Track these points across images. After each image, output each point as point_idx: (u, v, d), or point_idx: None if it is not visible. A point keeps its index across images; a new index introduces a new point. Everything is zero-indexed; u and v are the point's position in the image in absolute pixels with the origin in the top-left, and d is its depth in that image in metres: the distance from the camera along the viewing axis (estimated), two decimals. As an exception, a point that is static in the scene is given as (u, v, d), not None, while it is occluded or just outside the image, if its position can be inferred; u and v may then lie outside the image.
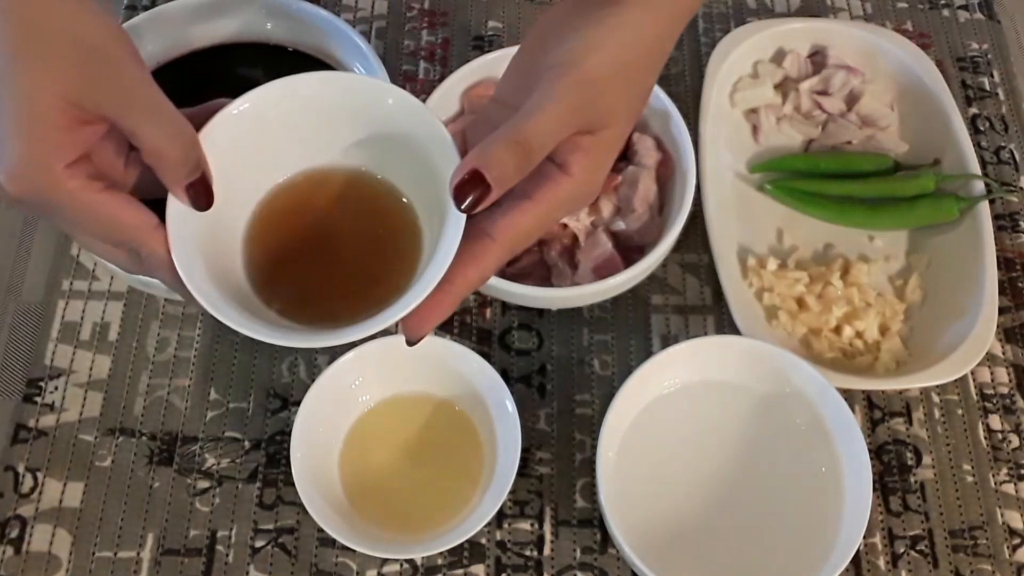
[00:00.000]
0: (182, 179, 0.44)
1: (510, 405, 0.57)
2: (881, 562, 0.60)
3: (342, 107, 0.49)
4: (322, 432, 0.58)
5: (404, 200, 0.50)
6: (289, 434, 0.57)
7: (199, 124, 0.46)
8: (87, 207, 0.43)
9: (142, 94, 0.43)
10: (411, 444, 0.60)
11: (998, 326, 0.64)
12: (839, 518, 0.56)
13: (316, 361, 0.65)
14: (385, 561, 0.59)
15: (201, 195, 0.45)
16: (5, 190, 0.42)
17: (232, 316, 0.44)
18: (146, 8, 0.75)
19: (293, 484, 0.60)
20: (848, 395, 0.63)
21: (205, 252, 0.46)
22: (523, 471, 0.62)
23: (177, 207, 0.45)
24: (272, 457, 0.62)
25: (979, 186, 0.69)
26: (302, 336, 0.45)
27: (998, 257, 0.66)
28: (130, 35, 0.45)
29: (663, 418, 0.59)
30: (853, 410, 0.62)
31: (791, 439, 0.59)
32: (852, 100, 0.74)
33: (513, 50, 0.72)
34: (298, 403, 0.57)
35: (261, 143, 0.49)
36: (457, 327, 0.66)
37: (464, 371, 0.59)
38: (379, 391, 0.61)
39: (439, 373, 0.60)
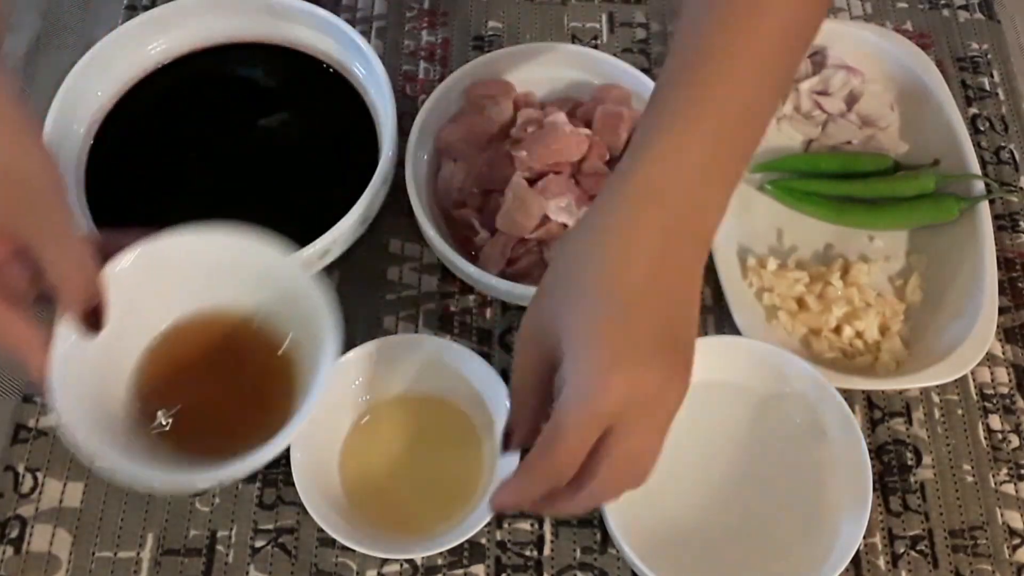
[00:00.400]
0: (78, 306, 0.48)
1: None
2: (881, 562, 0.60)
3: (239, 263, 0.55)
4: (322, 431, 0.58)
5: (279, 351, 0.56)
6: (289, 434, 0.57)
7: (115, 248, 0.51)
8: None
9: (57, 224, 0.48)
10: (411, 444, 0.60)
11: (998, 326, 0.64)
12: (839, 518, 0.56)
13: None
14: (385, 561, 0.59)
15: (92, 323, 0.49)
16: None
17: (92, 447, 0.49)
18: (146, 8, 0.75)
19: (293, 484, 0.60)
20: (848, 395, 0.63)
21: (90, 376, 0.51)
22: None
23: (66, 331, 0.49)
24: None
25: (979, 186, 0.69)
26: (167, 474, 0.51)
27: (998, 257, 0.66)
28: (56, 165, 0.49)
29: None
30: (853, 410, 0.62)
31: (791, 439, 0.59)
32: (852, 100, 0.74)
33: (513, 50, 0.72)
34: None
35: (161, 283, 0.54)
36: (457, 327, 0.66)
37: (464, 371, 0.59)
38: (379, 391, 0.61)
39: (439, 373, 0.60)
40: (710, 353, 0.59)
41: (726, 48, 0.46)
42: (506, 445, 0.50)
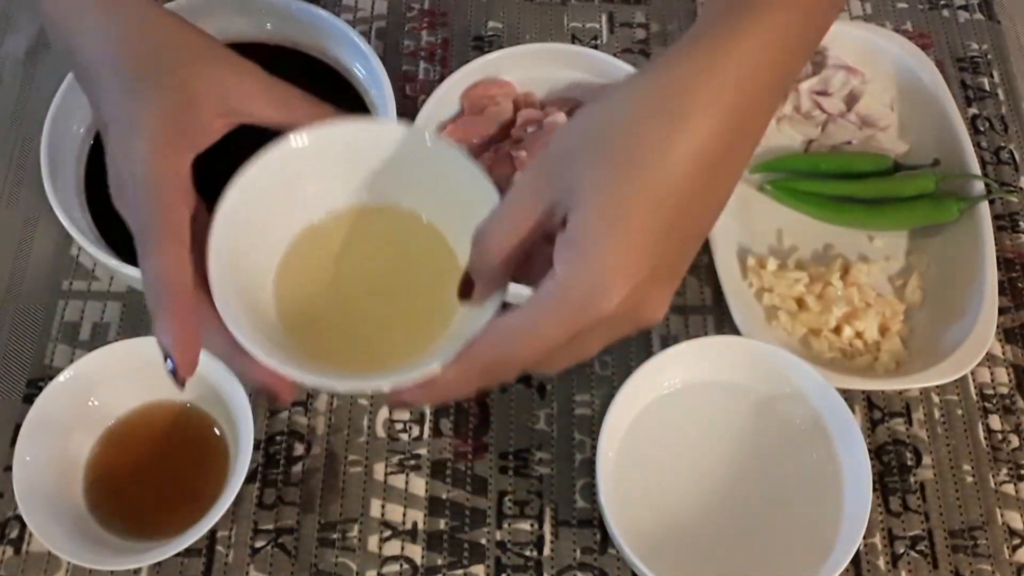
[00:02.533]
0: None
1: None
2: (881, 562, 0.60)
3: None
4: (253, 240, 0.48)
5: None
6: (289, 434, 0.57)
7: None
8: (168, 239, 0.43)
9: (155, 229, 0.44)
10: (368, 265, 0.50)
11: (998, 326, 0.64)
12: (839, 518, 0.56)
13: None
14: (385, 561, 0.59)
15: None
16: (149, 157, 0.43)
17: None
18: (146, 8, 0.75)
19: (293, 484, 0.60)
20: (848, 395, 0.63)
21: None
22: (523, 471, 0.62)
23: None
24: (271, 458, 0.62)
25: (979, 186, 0.69)
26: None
27: (998, 257, 0.66)
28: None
29: (663, 418, 0.59)
30: (853, 410, 0.62)
31: (791, 439, 0.59)
32: (852, 100, 0.74)
33: (513, 50, 0.72)
34: (299, 403, 0.57)
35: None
36: (457, 327, 0.66)
37: (450, 179, 0.49)
38: (336, 197, 0.50)
39: (406, 177, 0.49)
40: (710, 353, 0.59)
41: None
42: (464, 294, 0.41)
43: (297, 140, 0.48)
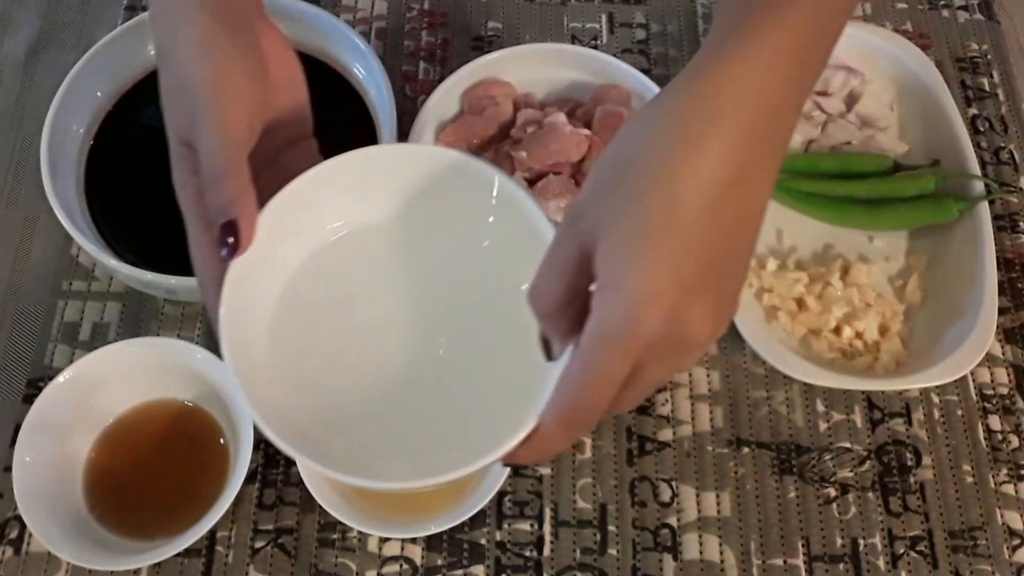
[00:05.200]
0: (221, 211, 0.45)
1: None
2: (881, 562, 0.60)
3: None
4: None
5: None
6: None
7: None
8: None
9: (215, 125, 0.46)
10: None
11: (998, 326, 0.64)
12: (539, 391, 0.42)
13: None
14: (385, 561, 0.59)
15: (227, 239, 0.45)
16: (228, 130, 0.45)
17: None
18: (146, 9, 0.75)
19: (293, 484, 0.60)
20: (848, 395, 0.64)
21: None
22: (523, 472, 0.62)
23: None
24: (271, 458, 0.62)
25: (979, 186, 0.69)
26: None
27: (998, 257, 0.66)
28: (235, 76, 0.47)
29: (338, 262, 0.50)
30: (853, 410, 0.61)
31: (503, 287, 0.48)
32: (852, 101, 0.74)
33: (513, 50, 0.72)
34: (298, 403, 0.58)
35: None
36: (457, 327, 0.66)
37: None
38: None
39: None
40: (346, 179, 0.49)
41: None
42: (547, 354, 0.42)
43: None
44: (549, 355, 0.41)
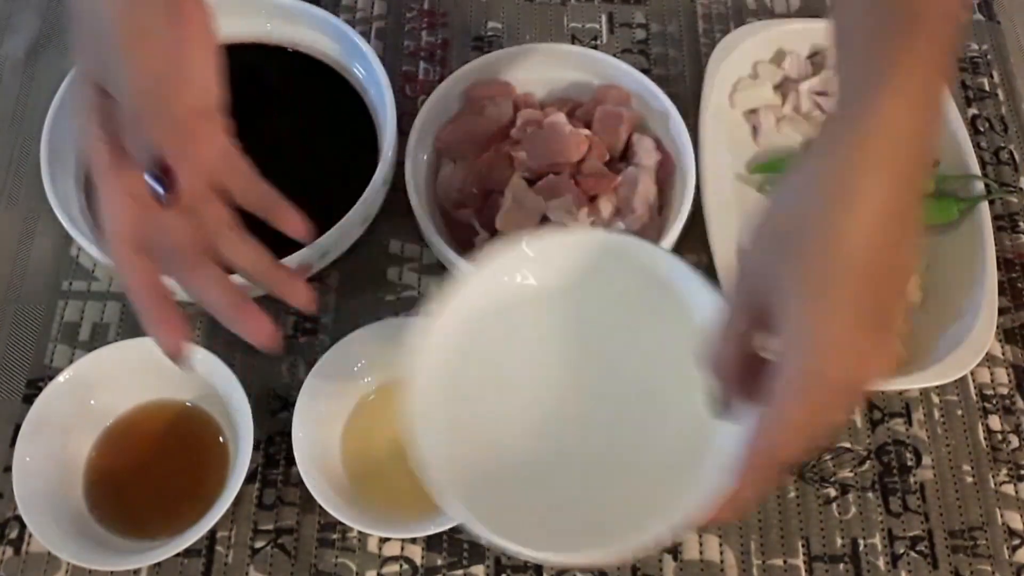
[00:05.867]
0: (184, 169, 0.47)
1: None
2: (881, 562, 0.60)
3: None
4: (324, 411, 0.59)
5: None
6: (289, 435, 0.57)
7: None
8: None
9: (182, 126, 0.48)
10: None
11: (998, 326, 0.64)
12: (708, 447, 0.46)
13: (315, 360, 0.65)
14: (385, 561, 0.59)
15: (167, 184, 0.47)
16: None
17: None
18: (146, 8, 0.75)
19: (293, 484, 0.60)
20: (848, 395, 0.63)
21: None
22: (523, 471, 0.62)
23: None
24: (271, 458, 0.62)
25: (979, 187, 0.69)
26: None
27: (998, 258, 0.66)
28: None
29: (504, 332, 0.51)
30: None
31: (661, 357, 0.50)
32: (852, 100, 0.74)
33: (513, 50, 0.72)
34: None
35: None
36: (457, 327, 0.66)
37: None
38: (382, 372, 0.61)
39: None
40: (530, 254, 0.51)
41: None
42: (725, 409, 0.44)
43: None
44: (724, 412, 0.43)
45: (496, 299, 0.50)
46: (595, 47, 0.78)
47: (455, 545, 0.60)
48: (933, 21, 0.41)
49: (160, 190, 0.46)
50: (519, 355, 0.51)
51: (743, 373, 0.42)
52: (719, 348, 0.43)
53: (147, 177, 0.46)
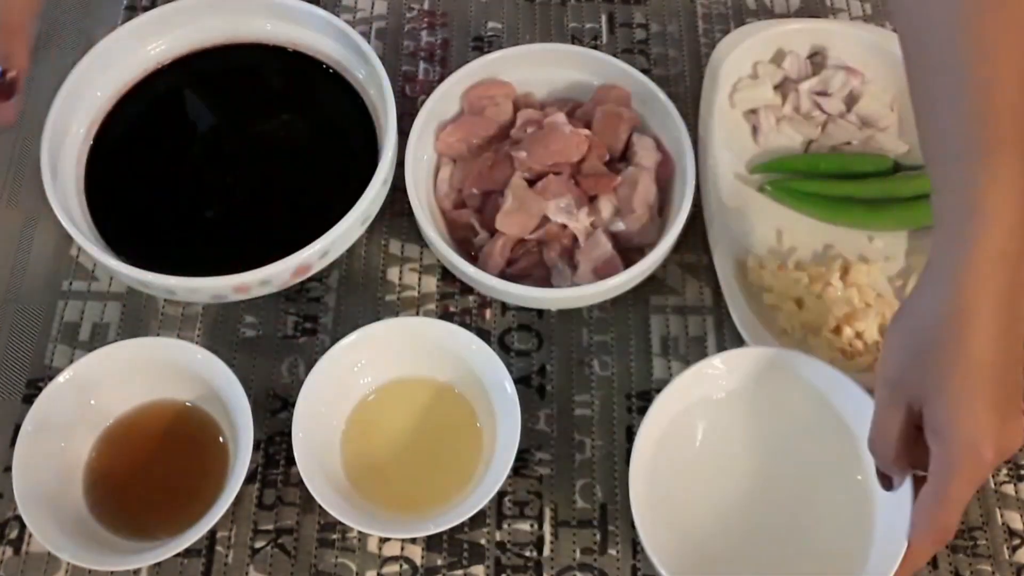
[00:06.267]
0: None
1: (509, 386, 0.58)
2: (881, 563, 0.60)
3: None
4: (324, 412, 0.59)
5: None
6: (289, 434, 0.57)
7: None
8: None
9: None
10: (411, 426, 0.61)
11: (998, 327, 0.64)
12: (874, 511, 0.56)
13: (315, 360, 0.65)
14: (384, 561, 0.59)
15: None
16: None
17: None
18: (146, 9, 0.75)
19: (293, 484, 0.60)
20: (848, 396, 0.63)
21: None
22: (523, 472, 0.62)
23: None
24: (271, 458, 0.62)
25: None
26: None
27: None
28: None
29: (691, 431, 0.59)
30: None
31: (812, 436, 0.59)
32: (852, 101, 0.74)
33: (513, 51, 0.72)
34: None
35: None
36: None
37: (463, 354, 0.60)
38: (382, 373, 0.62)
39: (439, 356, 0.61)
40: (720, 367, 0.58)
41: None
42: (886, 486, 0.53)
43: None
44: (889, 486, 0.53)
45: (687, 402, 0.59)
46: (595, 47, 0.78)
47: (455, 545, 0.60)
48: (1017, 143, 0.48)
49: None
50: (707, 447, 0.59)
51: (899, 455, 0.51)
52: (880, 438, 0.51)
53: None
